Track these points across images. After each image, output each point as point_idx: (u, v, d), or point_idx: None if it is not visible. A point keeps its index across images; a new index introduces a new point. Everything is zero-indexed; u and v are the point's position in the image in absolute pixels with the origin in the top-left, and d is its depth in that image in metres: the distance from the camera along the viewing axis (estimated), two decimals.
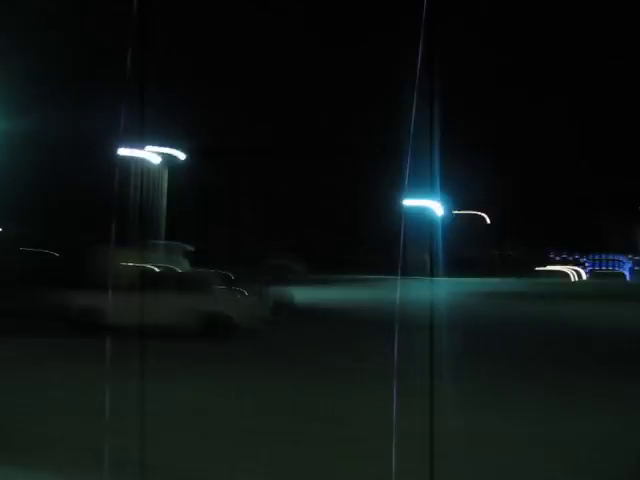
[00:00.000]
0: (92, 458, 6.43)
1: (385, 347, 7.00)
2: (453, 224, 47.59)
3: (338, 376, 11.95)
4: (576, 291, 39.26)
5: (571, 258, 63.30)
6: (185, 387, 10.67)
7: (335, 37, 40.53)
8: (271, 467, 6.89)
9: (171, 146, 24.37)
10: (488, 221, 55.34)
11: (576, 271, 58.50)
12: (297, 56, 39.86)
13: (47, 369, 12.47)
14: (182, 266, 22.64)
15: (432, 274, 26.34)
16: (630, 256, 61.69)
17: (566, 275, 56.63)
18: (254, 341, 15.97)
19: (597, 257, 63.65)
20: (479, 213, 54.89)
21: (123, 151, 22.29)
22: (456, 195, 43.64)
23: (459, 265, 38.22)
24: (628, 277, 59.59)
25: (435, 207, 28.75)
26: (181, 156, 25.17)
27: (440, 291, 25.28)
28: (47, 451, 7.23)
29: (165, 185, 24.82)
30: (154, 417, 7.03)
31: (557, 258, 63.68)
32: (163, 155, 23.86)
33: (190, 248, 24.27)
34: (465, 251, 47.72)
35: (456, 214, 51.04)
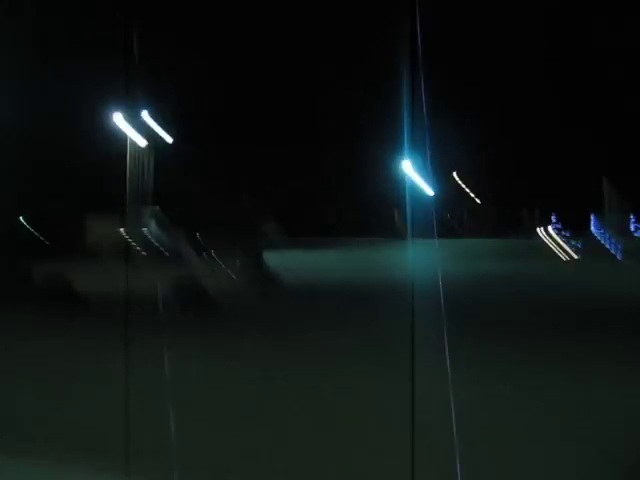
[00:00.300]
0: None
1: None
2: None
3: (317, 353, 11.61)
4: None
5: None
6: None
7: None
8: None
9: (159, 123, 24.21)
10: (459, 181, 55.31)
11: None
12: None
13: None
14: (155, 232, 22.58)
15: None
16: None
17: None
18: (223, 315, 15.95)
19: None
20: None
21: (116, 121, 22.08)
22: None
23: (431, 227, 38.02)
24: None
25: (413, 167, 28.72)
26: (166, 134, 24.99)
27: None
28: None
29: (151, 160, 24.64)
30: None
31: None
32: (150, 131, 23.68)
33: (161, 213, 24.19)
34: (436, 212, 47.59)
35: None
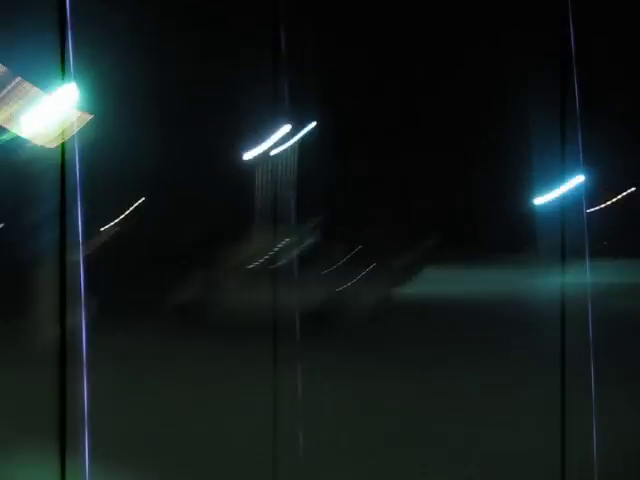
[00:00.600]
0: None
1: None
2: None
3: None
4: None
5: None
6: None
7: None
8: None
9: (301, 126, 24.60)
10: None
11: None
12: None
13: None
14: (300, 247, 22.85)
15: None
16: None
17: None
18: (361, 331, 15.92)
19: None
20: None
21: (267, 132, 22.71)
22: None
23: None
24: None
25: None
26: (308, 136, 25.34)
27: None
28: None
29: (295, 167, 25.06)
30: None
31: None
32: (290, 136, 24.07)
33: (316, 227, 24.49)
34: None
35: None
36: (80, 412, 4.86)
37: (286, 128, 23.11)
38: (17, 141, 13.74)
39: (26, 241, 14.83)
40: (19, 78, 13.18)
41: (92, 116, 14.82)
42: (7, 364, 11.11)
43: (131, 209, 46.05)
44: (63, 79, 3.87)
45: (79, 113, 14.36)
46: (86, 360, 4.31)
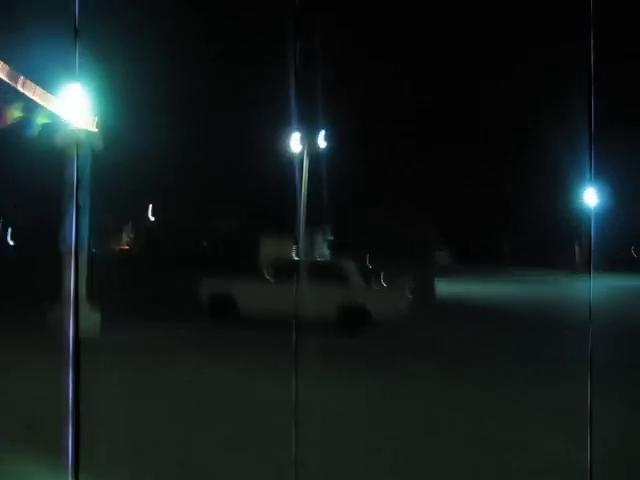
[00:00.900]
0: None
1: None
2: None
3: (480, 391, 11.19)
4: None
5: None
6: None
7: None
8: None
9: (311, 132, 24.58)
10: None
11: None
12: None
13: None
14: (322, 255, 22.89)
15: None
16: None
17: None
18: (389, 338, 15.98)
19: None
20: None
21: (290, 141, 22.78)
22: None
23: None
24: None
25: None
26: (322, 142, 25.33)
27: None
28: None
29: (305, 173, 25.10)
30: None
31: None
32: (302, 142, 24.10)
33: (330, 236, 24.56)
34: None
35: None
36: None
37: (300, 136, 23.21)
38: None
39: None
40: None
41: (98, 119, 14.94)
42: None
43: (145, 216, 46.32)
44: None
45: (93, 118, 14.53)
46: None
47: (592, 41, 5.21)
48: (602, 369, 5.65)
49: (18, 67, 12.77)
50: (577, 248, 42.65)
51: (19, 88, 12.89)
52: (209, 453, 7.45)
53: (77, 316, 4.46)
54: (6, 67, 12.70)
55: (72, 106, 12.75)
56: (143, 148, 29.23)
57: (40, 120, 13.62)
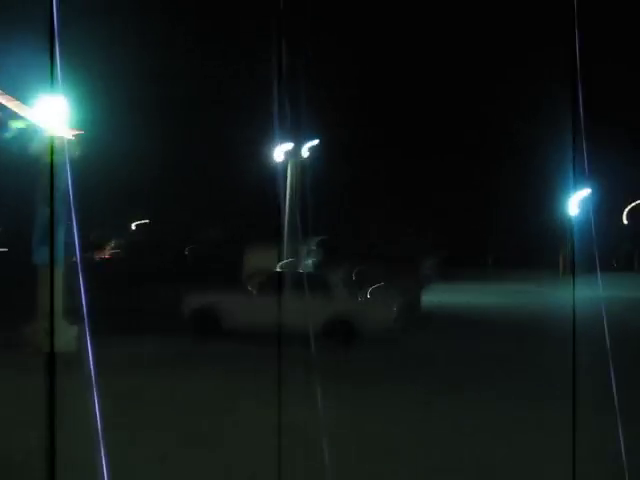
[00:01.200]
0: None
1: None
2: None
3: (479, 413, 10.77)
4: None
5: None
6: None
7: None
8: None
9: (297, 140, 24.62)
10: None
11: None
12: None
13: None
14: (305, 265, 22.80)
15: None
16: None
17: None
18: (374, 350, 15.94)
19: None
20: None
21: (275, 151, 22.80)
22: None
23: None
24: None
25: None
26: (305, 151, 25.41)
27: None
28: None
29: (293, 181, 25.12)
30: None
31: None
32: (289, 151, 24.14)
33: (315, 248, 24.50)
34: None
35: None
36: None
37: (291, 142, 23.26)
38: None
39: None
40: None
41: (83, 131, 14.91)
42: None
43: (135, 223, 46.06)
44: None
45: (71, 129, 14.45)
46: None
47: (577, 46, 5.21)
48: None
49: None
50: (561, 253, 42.96)
51: None
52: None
53: (52, 330, 4.40)
54: None
55: (49, 113, 12.67)
56: (125, 156, 29.18)
57: (16, 126, 13.53)
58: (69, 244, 13.82)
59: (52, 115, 12.56)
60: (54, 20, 3.70)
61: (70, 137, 14.38)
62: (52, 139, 13.56)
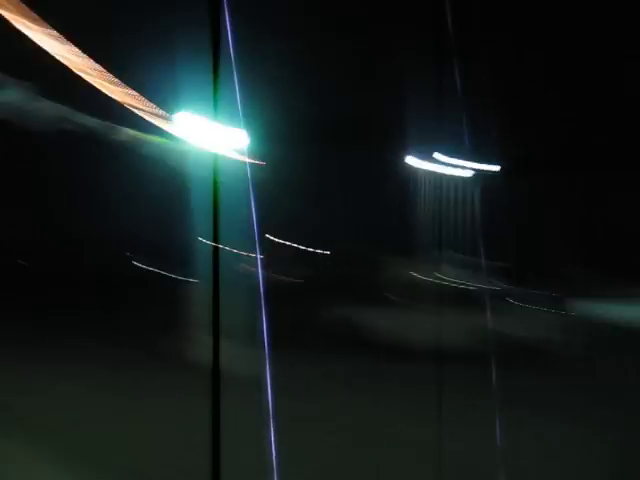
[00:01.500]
0: None
1: None
2: None
3: None
4: None
5: None
6: None
7: None
8: None
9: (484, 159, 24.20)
10: None
11: None
12: None
13: None
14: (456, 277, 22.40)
15: None
16: None
17: None
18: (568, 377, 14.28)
19: None
20: None
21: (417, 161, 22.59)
22: None
23: None
24: None
25: None
26: (494, 169, 24.85)
27: None
28: None
29: (475, 199, 24.66)
30: None
31: None
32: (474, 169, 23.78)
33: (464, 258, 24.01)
34: None
35: None
36: None
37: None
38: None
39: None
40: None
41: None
42: None
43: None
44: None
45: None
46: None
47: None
48: None
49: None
50: None
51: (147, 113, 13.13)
52: None
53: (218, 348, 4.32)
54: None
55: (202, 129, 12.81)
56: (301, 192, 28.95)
57: (160, 141, 13.82)
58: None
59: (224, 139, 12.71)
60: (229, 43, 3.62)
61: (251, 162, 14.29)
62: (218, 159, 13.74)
